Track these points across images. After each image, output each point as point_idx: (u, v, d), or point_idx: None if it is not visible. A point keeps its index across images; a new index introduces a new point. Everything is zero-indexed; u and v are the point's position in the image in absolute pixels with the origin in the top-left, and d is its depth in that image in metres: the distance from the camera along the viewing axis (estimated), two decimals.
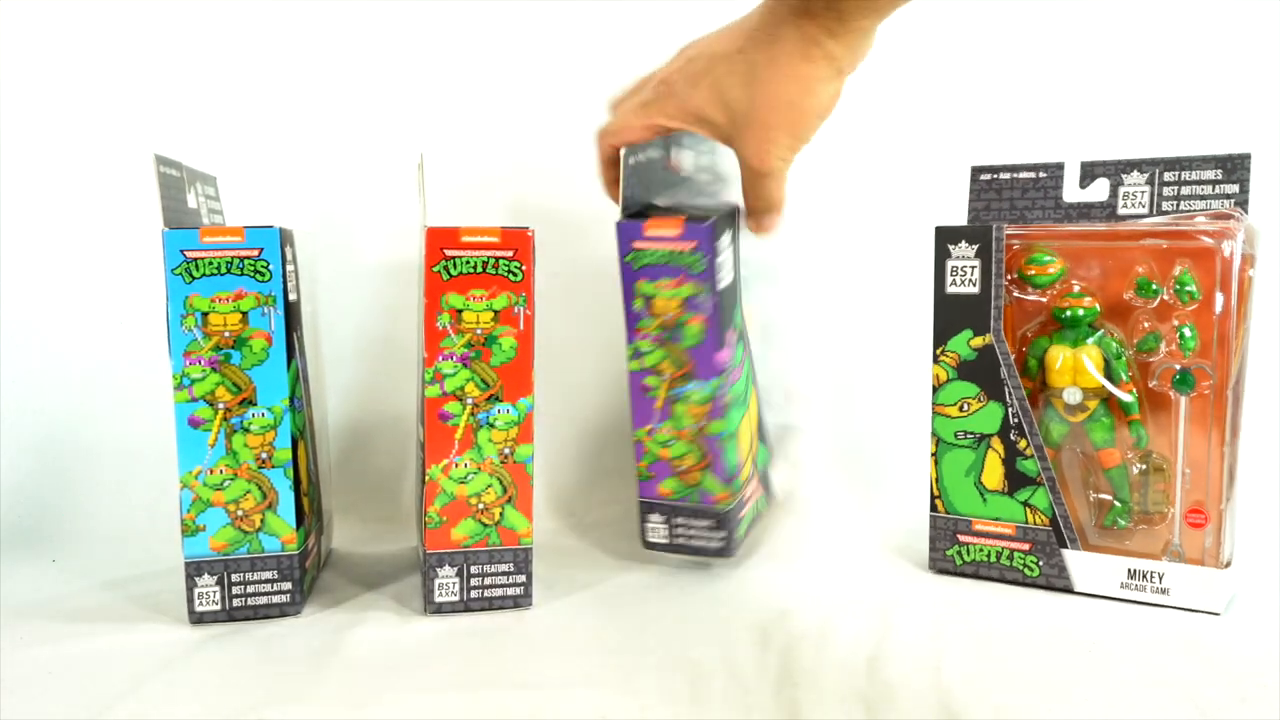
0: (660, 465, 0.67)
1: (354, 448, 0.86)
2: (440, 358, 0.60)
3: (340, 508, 0.83)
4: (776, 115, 0.57)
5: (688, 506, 0.67)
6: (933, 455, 0.69)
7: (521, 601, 0.63)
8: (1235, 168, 0.63)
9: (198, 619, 0.61)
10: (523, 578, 0.63)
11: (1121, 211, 0.66)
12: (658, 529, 0.67)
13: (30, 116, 0.83)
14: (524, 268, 0.61)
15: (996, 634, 0.58)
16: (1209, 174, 0.63)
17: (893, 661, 0.54)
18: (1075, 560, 0.65)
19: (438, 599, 0.62)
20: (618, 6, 0.86)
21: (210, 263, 0.59)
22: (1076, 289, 0.65)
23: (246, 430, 0.60)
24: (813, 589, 0.66)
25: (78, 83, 0.83)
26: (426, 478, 0.61)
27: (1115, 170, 0.66)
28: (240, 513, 0.60)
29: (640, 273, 0.64)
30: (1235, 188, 0.63)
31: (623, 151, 0.63)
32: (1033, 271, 0.66)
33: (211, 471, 0.60)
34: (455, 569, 0.62)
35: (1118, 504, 0.65)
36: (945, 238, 0.68)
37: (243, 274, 0.59)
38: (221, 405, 0.60)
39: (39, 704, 0.50)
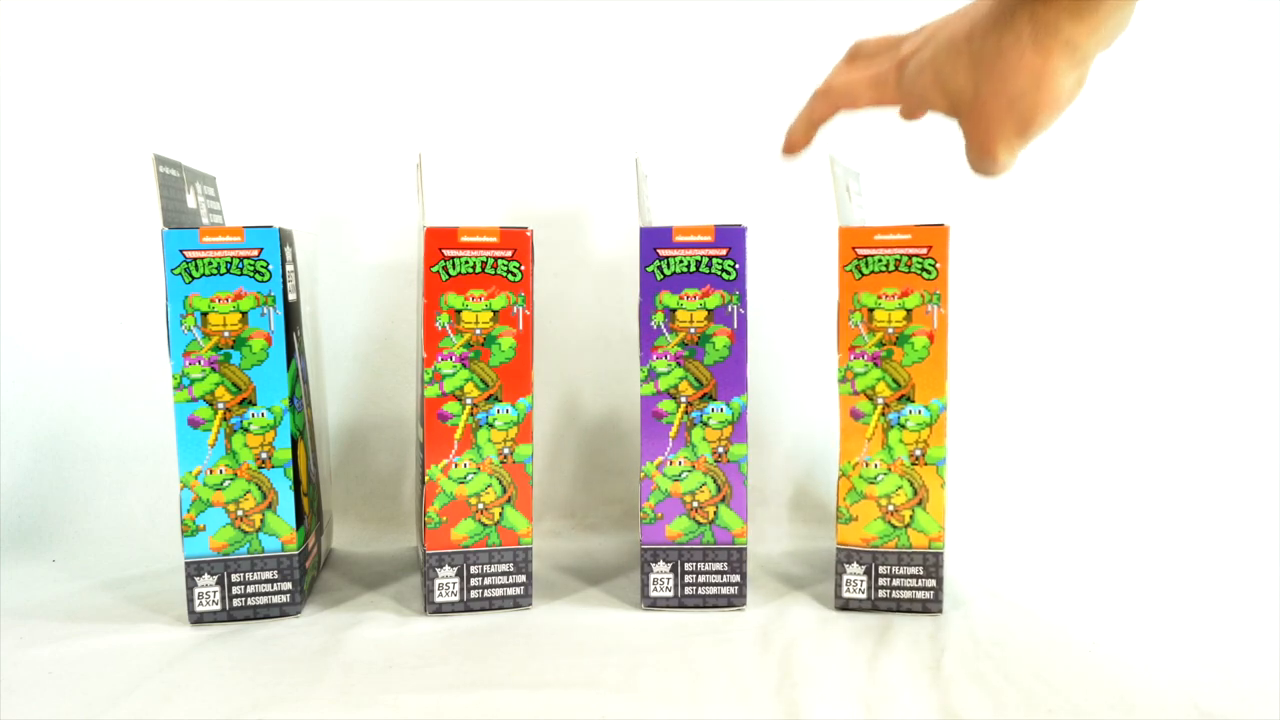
0: (670, 503, 0.63)
1: (354, 448, 0.86)
2: (439, 358, 0.60)
3: (340, 508, 0.83)
4: (1001, 109, 0.52)
5: (699, 549, 0.63)
6: None
7: (521, 601, 0.63)
8: None
9: (198, 619, 0.61)
10: (523, 578, 0.63)
11: None
12: (662, 580, 0.63)
13: (30, 116, 0.83)
14: (523, 268, 0.60)
15: (996, 634, 0.58)
16: None
17: (893, 661, 0.54)
18: None
19: (438, 599, 0.62)
20: (617, 7, 0.86)
21: (210, 263, 0.59)
22: None
23: (246, 430, 0.60)
24: (812, 589, 0.66)
25: (78, 83, 0.83)
26: (426, 478, 0.61)
27: None
28: (240, 513, 0.60)
29: (664, 284, 0.61)
30: None
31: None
32: None
33: (211, 471, 0.60)
34: (455, 569, 0.62)
35: None
36: None
37: (242, 274, 0.59)
38: (221, 405, 0.60)
39: (39, 704, 0.50)
